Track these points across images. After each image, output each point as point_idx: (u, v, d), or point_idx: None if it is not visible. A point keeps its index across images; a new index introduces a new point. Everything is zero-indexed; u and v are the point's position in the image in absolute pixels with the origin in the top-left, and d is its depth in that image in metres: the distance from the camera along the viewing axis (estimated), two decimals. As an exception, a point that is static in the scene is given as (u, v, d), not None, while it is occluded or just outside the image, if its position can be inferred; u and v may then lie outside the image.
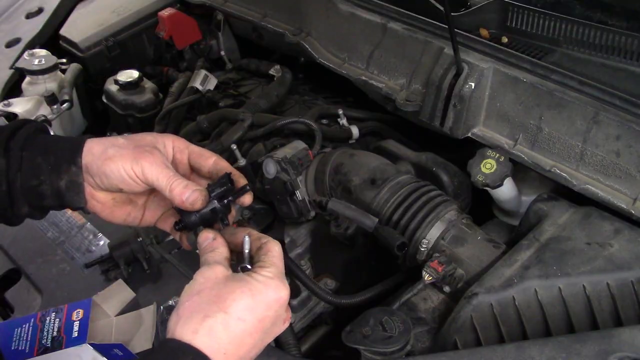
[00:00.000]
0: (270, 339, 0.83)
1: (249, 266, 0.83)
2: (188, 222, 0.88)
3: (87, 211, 0.92)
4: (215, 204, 0.87)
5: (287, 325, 0.85)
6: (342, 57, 1.62)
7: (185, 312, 0.76)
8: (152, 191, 0.95)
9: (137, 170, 0.85)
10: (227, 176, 0.89)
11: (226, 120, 1.73)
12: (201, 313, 0.75)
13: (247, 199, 0.91)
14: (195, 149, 0.94)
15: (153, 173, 0.85)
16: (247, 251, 0.85)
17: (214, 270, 0.80)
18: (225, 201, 0.88)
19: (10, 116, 1.69)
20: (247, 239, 0.85)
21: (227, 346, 0.75)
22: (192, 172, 0.95)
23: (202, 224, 0.88)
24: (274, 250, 0.85)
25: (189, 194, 0.84)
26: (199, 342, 0.74)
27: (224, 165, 0.93)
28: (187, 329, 0.74)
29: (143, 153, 0.86)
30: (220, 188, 0.87)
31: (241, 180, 0.92)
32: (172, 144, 0.93)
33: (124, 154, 0.85)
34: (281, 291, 0.80)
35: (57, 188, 0.86)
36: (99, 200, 0.90)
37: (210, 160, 0.93)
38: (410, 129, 1.69)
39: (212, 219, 0.89)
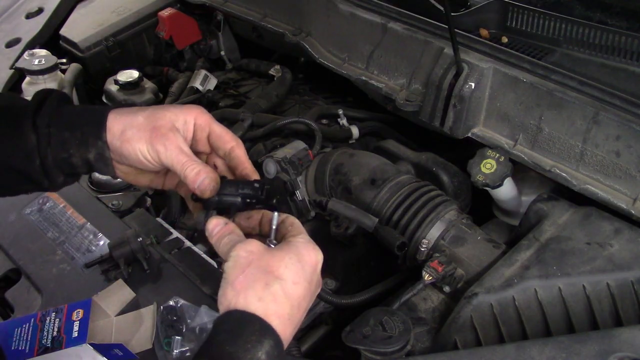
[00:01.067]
0: (312, 301, 0.84)
1: (275, 241, 0.85)
2: (205, 200, 0.88)
3: (116, 178, 0.96)
4: (239, 201, 0.88)
5: (320, 288, 0.86)
6: (342, 57, 1.62)
7: (243, 284, 0.77)
8: None
9: (152, 155, 0.86)
10: (263, 185, 0.89)
11: (226, 120, 1.73)
12: (261, 282, 0.76)
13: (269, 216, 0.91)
14: (217, 129, 0.93)
15: (168, 158, 0.86)
16: (274, 227, 0.85)
17: (252, 243, 0.81)
18: (249, 201, 0.88)
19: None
20: (276, 214, 0.86)
21: (291, 311, 0.77)
22: (212, 150, 0.96)
23: (217, 208, 0.89)
24: (296, 222, 0.87)
25: (200, 181, 0.85)
26: (266, 308, 0.75)
27: (239, 154, 0.93)
28: (251, 297, 0.75)
29: (159, 137, 0.86)
30: (250, 191, 0.88)
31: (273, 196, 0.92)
32: (194, 121, 0.92)
33: (141, 137, 0.86)
34: (319, 253, 0.82)
35: (86, 159, 0.88)
36: (122, 170, 0.93)
37: (228, 145, 0.93)
38: (410, 129, 1.69)
39: (226, 210, 0.89)
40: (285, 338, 0.76)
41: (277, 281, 0.77)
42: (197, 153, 0.92)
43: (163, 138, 0.86)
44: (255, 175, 0.92)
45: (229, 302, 0.77)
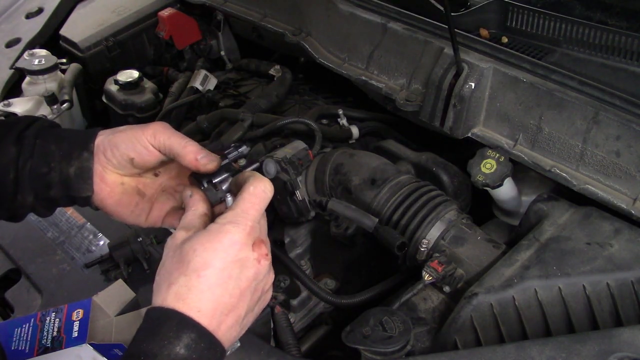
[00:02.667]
0: (247, 282, 0.80)
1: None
2: (207, 183, 0.88)
3: (92, 205, 0.92)
4: (245, 147, 0.91)
5: (265, 262, 0.82)
6: (342, 57, 1.62)
7: (155, 286, 0.79)
8: (160, 185, 0.96)
9: (148, 135, 0.86)
10: (242, 144, 0.91)
11: (226, 120, 1.73)
12: (166, 282, 0.77)
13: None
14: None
15: (165, 134, 0.87)
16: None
17: (174, 238, 0.81)
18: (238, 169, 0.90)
19: (10, 116, 1.69)
20: (229, 198, 0.86)
21: (198, 304, 0.75)
22: None
23: (229, 170, 0.90)
24: (246, 190, 0.84)
25: (203, 155, 0.86)
26: (183, 303, 0.75)
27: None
28: (157, 300, 0.77)
29: (153, 123, 0.89)
30: (237, 150, 0.90)
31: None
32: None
33: (134, 127, 0.89)
34: (234, 234, 0.78)
35: (65, 175, 0.86)
36: (107, 183, 0.90)
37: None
38: (410, 129, 1.69)
39: (234, 170, 0.90)
40: (214, 329, 0.75)
41: (180, 278, 0.76)
42: None
43: (158, 123, 0.89)
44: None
45: (152, 300, 0.78)
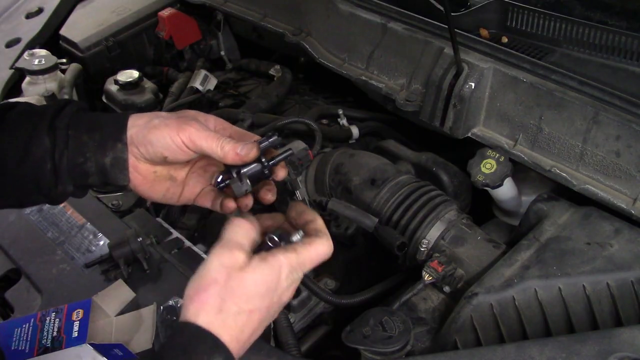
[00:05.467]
0: (273, 305, 0.83)
1: (276, 239, 0.85)
2: (236, 174, 0.88)
3: (129, 190, 0.93)
4: (262, 159, 0.89)
5: (294, 289, 0.85)
6: (342, 57, 1.62)
7: (200, 301, 0.77)
8: (192, 166, 0.97)
9: (184, 137, 0.86)
10: (273, 134, 0.89)
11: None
12: (215, 307, 0.77)
13: (281, 172, 0.92)
14: (239, 129, 0.95)
15: (201, 137, 0.86)
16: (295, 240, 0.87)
17: (231, 256, 0.80)
18: (272, 162, 0.90)
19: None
20: (299, 237, 0.86)
21: (239, 335, 0.78)
22: None
23: (250, 179, 0.89)
24: (314, 247, 0.87)
25: (242, 147, 0.85)
26: (219, 326, 0.77)
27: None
28: (201, 320, 0.77)
29: (188, 121, 0.87)
30: (268, 140, 0.89)
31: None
32: (214, 122, 0.93)
33: (169, 123, 0.87)
34: (287, 280, 0.82)
35: (102, 165, 0.87)
36: (140, 172, 0.90)
37: (254, 139, 0.93)
38: (410, 129, 1.69)
39: (260, 174, 0.89)
40: (237, 353, 0.78)
41: (232, 308, 0.77)
42: None
43: (193, 122, 0.87)
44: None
45: (184, 310, 0.78)
